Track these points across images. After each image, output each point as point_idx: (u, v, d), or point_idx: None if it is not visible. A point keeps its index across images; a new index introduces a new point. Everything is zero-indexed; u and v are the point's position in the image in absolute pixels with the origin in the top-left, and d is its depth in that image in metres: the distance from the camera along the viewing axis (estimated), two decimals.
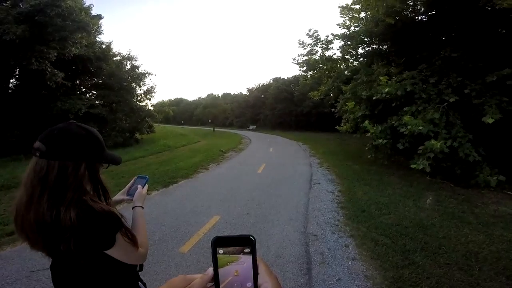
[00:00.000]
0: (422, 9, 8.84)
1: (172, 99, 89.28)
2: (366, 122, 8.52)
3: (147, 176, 1.28)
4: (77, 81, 16.49)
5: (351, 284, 2.64)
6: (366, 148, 9.62)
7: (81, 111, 13.35)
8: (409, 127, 6.64)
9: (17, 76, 13.78)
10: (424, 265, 2.92)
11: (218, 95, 67.24)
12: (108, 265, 0.90)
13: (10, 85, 13.84)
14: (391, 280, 2.66)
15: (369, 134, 8.62)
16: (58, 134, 0.83)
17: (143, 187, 1.23)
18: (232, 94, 69.84)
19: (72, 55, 12.75)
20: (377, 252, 3.26)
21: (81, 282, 0.92)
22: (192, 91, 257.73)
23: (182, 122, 70.31)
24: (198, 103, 70.44)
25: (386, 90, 7.57)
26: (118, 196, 1.23)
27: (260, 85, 53.64)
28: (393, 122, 7.59)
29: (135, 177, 1.29)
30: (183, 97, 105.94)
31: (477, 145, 6.46)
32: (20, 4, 11.88)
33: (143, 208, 1.16)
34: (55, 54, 11.59)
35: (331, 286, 2.61)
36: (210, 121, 49.31)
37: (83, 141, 0.86)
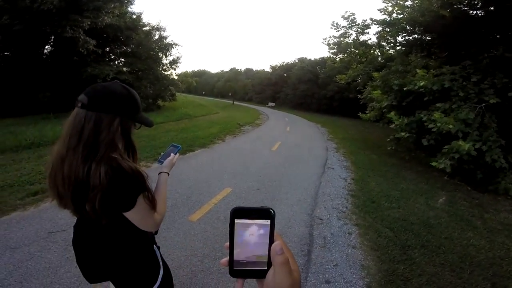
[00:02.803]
0: (480, 3, 8.01)
1: (196, 70, 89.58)
2: (392, 113, 8.20)
3: (179, 146, 1.31)
4: (107, 49, 17.01)
5: (346, 271, 2.74)
6: (388, 140, 9.34)
7: (109, 76, 13.83)
8: (438, 124, 6.33)
9: (51, 43, 14.33)
10: (419, 262, 2.96)
11: (240, 69, 66.29)
12: (127, 226, 0.93)
13: (45, 51, 14.48)
14: (385, 273, 2.73)
15: (393, 126, 8.33)
16: (101, 89, 0.89)
17: (175, 155, 1.26)
18: (254, 70, 68.75)
19: (104, 24, 13.02)
20: (378, 243, 3.32)
21: (100, 242, 0.99)
22: (215, 64, 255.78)
23: (204, 93, 70.76)
24: (220, 76, 70.10)
25: (422, 83, 7.15)
26: None
27: (284, 63, 52.54)
28: (422, 116, 7.26)
29: (170, 145, 1.33)
30: (206, 69, 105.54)
31: (508, 152, 6.11)
32: None
33: (168, 175, 1.18)
34: (88, 23, 11.95)
35: (327, 270, 2.72)
36: (230, 94, 49.20)
37: (122, 98, 0.91)
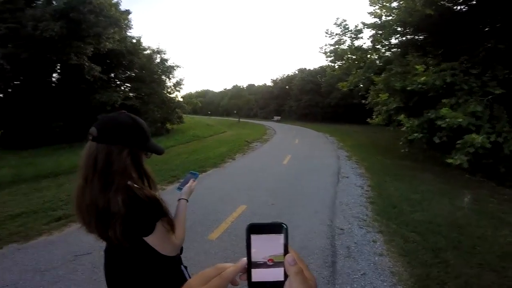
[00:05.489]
0: None
1: (199, 90, 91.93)
2: (402, 116, 8.14)
3: (197, 173, 1.39)
4: (112, 75, 17.58)
5: (376, 279, 2.63)
6: (400, 143, 9.20)
7: (117, 103, 14.25)
8: (447, 119, 6.23)
9: (58, 71, 14.98)
10: (454, 264, 2.81)
11: (243, 86, 67.43)
12: (152, 250, 0.95)
13: (53, 79, 15.11)
14: (418, 278, 2.61)
15: (403, 128, 8.23)
16: (108, 121, 0.93)
17: (193, 182, 1.33)
18: (256, 85, 69.75)
19: (106, 49, 13.59)
20: (406, 249, 3.18)
21: (128, 266, 1.00)
22: (218, 82, 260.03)
23: (209, 112, 71.91)
24: (223, 94, 71.37)
25: (422, 79, 7.11)
26: None
27: (285, 76, 53.09)
28: (430, 115, 7.16)
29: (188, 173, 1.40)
30: (209, 88, 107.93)
31: None
32: (53, 1, 12.80)
33: (187, 201, 1.22)
34: (91, 49, 12.55)
35: (355, 280, 2.62)
36: (235, 112, 49.80)
37: (129, 129, 0.94)
